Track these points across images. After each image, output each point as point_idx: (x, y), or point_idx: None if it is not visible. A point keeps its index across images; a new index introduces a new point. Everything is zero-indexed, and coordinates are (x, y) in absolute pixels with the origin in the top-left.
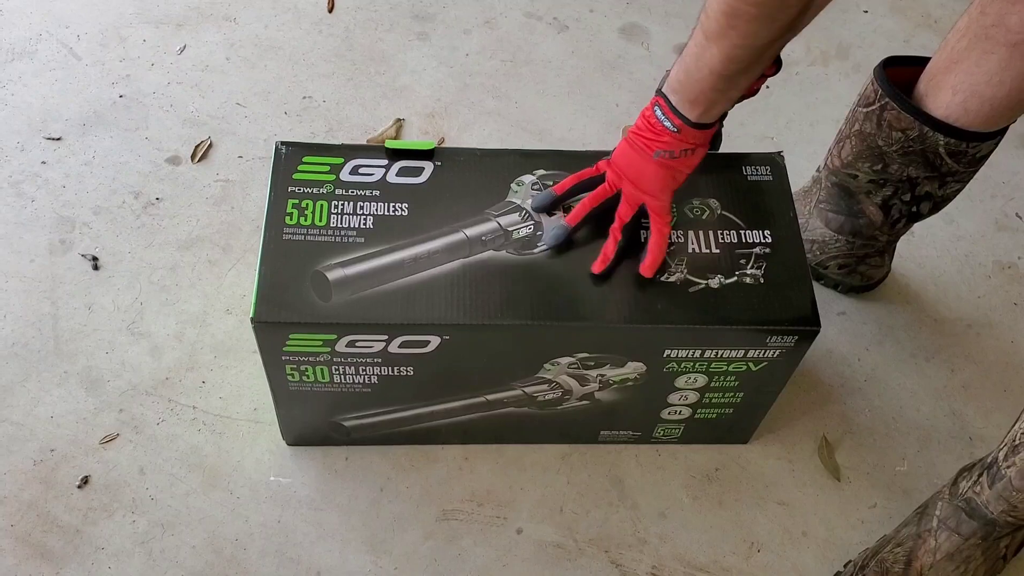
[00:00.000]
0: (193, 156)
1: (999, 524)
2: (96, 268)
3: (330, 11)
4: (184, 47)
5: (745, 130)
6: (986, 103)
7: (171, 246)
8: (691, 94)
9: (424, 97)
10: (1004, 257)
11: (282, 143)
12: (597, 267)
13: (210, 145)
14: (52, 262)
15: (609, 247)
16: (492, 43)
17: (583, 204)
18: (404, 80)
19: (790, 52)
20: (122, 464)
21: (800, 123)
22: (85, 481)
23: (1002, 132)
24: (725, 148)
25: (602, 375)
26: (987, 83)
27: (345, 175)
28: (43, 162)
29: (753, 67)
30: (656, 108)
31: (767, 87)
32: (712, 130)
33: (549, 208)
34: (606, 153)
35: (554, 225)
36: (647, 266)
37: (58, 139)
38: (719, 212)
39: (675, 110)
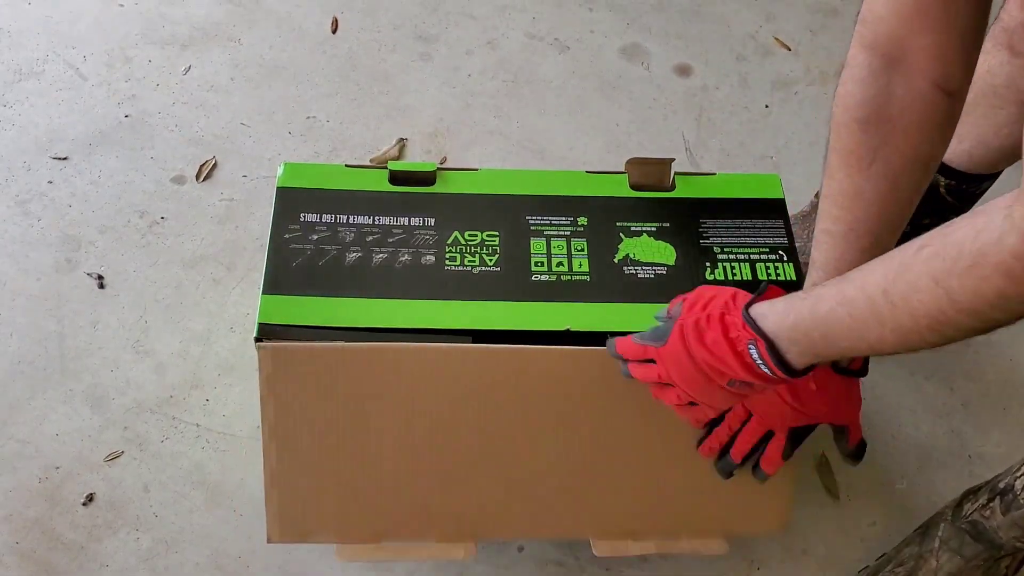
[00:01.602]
0: (198, 175)
1: (1006, 548)
2: (101, 286)
3: (334, 32)
4: (189, 67)
5: (744, 150)
6: (992, 152)
7: (176, 265)
8: (819, 353)
9: (427, 117)
10: None
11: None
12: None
13: (215, 165)
14: (58, 280)
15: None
16: (494, 63)
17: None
18: (407, 100)
19: (789, 72)
20: (126, 481)
21: (799, 143)
22: (90, 498)
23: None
24: (729, 167)
25: None
26: (995, 135)
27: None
28: (49, 181)
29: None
30: (752, 348)
31: (767, 106)
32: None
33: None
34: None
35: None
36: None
37: (64, 159)
38: None
39: (780, 360)
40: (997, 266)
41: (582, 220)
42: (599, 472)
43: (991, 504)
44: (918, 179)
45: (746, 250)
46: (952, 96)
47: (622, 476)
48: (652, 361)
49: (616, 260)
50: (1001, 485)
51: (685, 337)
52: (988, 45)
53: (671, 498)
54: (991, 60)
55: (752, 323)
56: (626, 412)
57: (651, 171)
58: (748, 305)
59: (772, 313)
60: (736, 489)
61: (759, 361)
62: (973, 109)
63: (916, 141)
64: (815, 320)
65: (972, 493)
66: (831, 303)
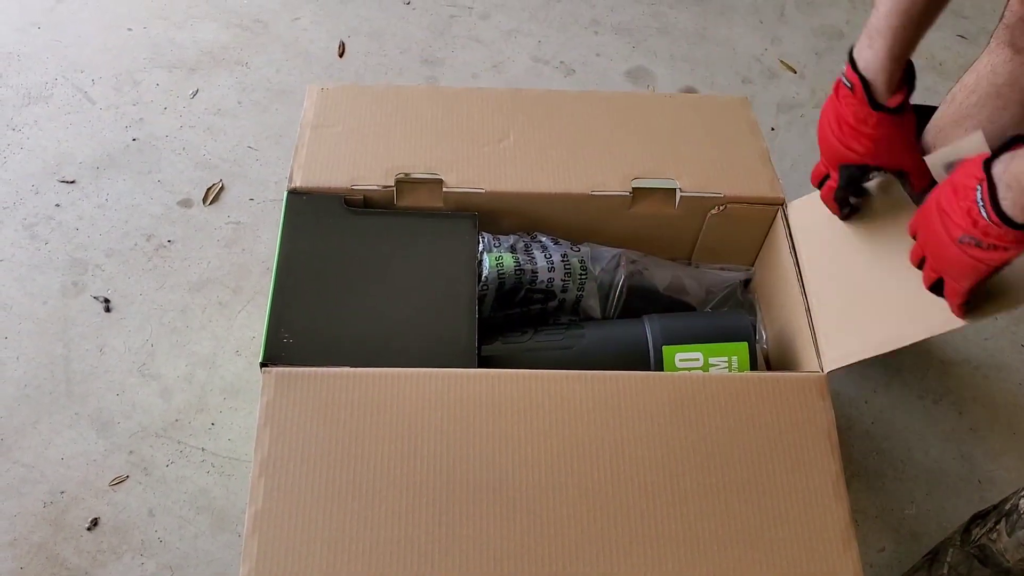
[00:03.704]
0: (205, 199)
1: (1013, 572)
2: (108, 310)
3: (340, 56)
4: (197, 91)
5: None
6: None
7: (182, 288)
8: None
9: None
10: None
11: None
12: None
13: (222, 188)
14: (64, 304)
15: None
16: (500, 87)
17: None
18: None
19: (795, 94)
20: (131, 506)
21: (805, 165)
22: (94, 523)
23: None
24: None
25: None
26: (1000, 138)
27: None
28: (57, 205)
29: None
30: (978, 191)
31: (772, 128)
32: None
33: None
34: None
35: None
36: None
37: (72, 182)
38: None
39: (999, 209)
40: None
41: None
42: (629, 515)
43: (998, 526)
44: None
45: None
46: None
47: (655, 520)
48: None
49: None
50: (1007, 507)
51: (936, 193)
52: (992, 44)
53: (718, 550)
54: (994, 59)
55: (986, 168)
56: (646, 444)
57: (656, 197)
58: (991, 158)
59: (1004, 159)
60: (791, 540)
61: (980, 203)
62: (978, 112)
63: None
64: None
65: (980, 517)
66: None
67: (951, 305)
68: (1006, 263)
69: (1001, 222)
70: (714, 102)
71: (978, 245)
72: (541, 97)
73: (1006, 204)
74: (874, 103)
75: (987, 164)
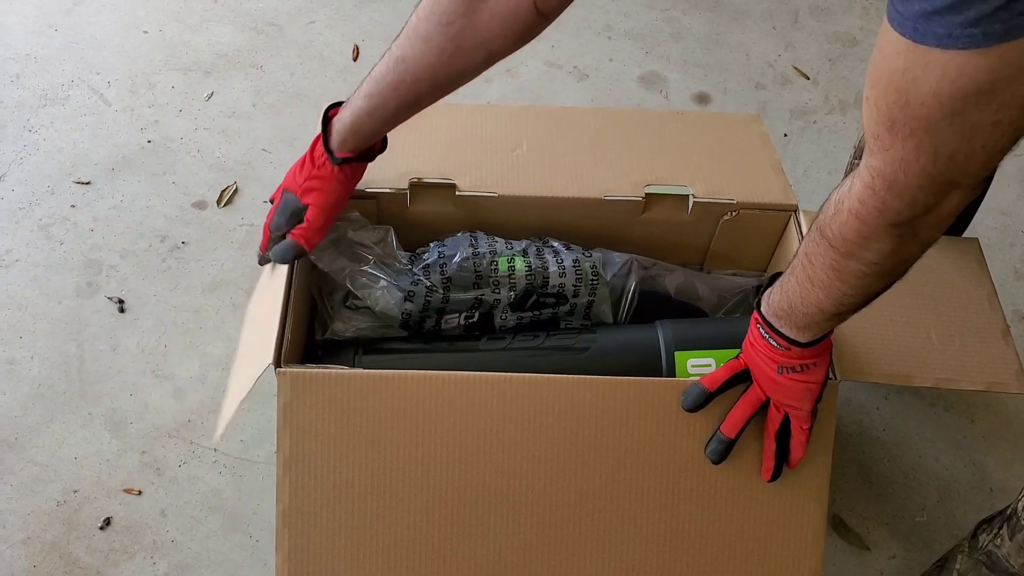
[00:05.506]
0: (219, 201)
1: None
2: (122, 311)
3: (355, 60)
4: (212, 94)
5: None
6: None
7: (196, 289)
8: (800, 323)
9: None
10: None
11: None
12: (766, 476)
13: (236, 190)
14: (79, 304)
15: (769, 456)
16: (513, 91)
17: (739, 415)
18: None
19: (808, 100)
20: (144, 506)
21: (818, 171)
22: (107, 523)
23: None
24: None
25: None
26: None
27: None
28: (72, 206)
29: (866, 304)
30: (759, 327)
31: (785, 135)
32: (828, 341)
33: (702, 407)
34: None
35: (714, 440)
36: (791, 461)
37: (87, 183)
38: None
39: (780, 334)
40: (849, 210)
41: None
42: (623, 516)
43: (1001, 531)
44: (478, 65)
45: None
46: (543, 16)
47: (647, 521)
48: (747, 381)
49: None
50: (1008, 511)
51: (753, 348)
52: None
53: (700, 547)
54: None
55: (757, 309)
56: (648, 450)
57: (668, 202)
58: (759, 298)
59: (764, 298)
60: (766, 539)
61: (767, 338)
62: None
63: (493, 35)
64: (783, 294)
65: (986, 523)
66: (788, 275)
67: (795, 451)
68: (826, 378)
69: (791, 345)
70: (725, 119)
71: (793, 370)
72: (554, 112)
73: (785, 331)
74: (327, 148)
75: (757, 306)
